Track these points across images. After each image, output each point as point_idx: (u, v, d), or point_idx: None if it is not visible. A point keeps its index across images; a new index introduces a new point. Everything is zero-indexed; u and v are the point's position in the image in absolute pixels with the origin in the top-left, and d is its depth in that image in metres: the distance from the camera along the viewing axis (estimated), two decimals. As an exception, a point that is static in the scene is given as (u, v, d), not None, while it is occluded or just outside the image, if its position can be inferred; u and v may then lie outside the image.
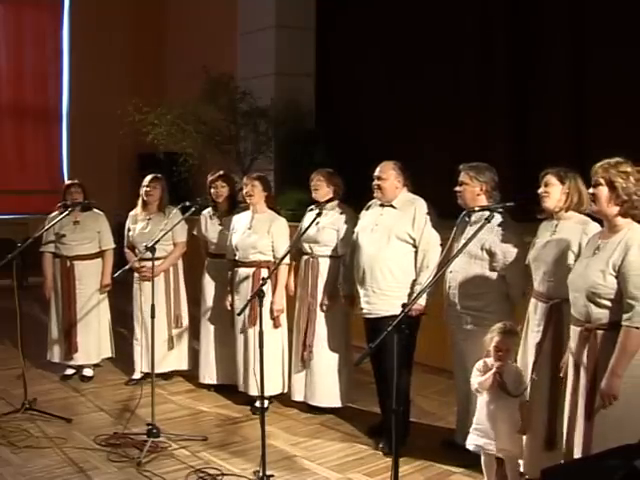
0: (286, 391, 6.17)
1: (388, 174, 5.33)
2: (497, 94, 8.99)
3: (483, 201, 4.90)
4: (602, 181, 3.70)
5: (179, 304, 6.85)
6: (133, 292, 6.84)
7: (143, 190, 6.79)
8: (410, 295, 5.16)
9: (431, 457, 5.06)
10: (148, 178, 6.85)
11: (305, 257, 6.00)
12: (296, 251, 6.05)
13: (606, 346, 3.65)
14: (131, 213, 6.94)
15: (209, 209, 6.67)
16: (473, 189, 4.93)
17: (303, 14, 11.24)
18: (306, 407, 6.06)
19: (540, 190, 4.51)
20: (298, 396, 6.06)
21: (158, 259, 6.40)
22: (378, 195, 5.39)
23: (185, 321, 6.90)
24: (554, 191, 4.45)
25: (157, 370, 6.52)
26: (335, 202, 5.93)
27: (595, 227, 4.25)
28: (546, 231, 4.54)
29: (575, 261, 4.16)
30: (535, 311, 4.50)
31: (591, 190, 3.78)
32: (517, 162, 8.43)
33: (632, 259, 3.58)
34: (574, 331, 3.87)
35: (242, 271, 6.10)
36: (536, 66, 8.53)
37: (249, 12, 11.52)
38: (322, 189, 5.90)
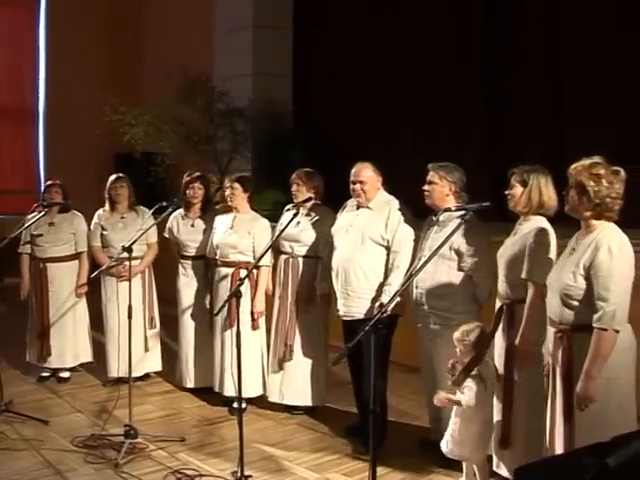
0: (265, 393, 6.16)
1: (369, 177, 5.31)
2: (472, 93, 9.04)
3: (452, 201, 4.92)
4: (573, 183, 3.71)
5: (152, 306, 6.83)
6: (104, 293, 6.78)
7: (111, 191, 6.76)
8: (377, 297, 5.17)
9: (409, 456, 5.08)
10: (112, 178, 6.82)
11: (284, 257, 5.98)
12: (274, 251, 6.05)
13: (580, 348, 3.66)
14: (99, 212, 6.86)
15: (180, 210, 6.62)
16: (442, 189, 4.94)
17: (280, 14, 11.24)
18: (283, 407, 6.07)
19: (506, 191, 4.51)
20: (274, 397, 6.05)
21: (135, 259, 6.41)
22: (361, 199, 5.35)
23: (158, 322, 6.89)
24: (515, 193, 4.44)
25: (134, 374, 6.53)
26: (314, 202, 5.92)
27: (550, 228, 4.34)
28: (511, 233, 4.58)
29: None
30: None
31: (564, 192, 3.80)
32: (493, 162, 8.47)
33: (601, 259, 3.58)
34: (550, 332, 3.90)
35: (221, 271, 6.09)
36: (512, 65, 8.59)
37: (226, 12, 11.51)
38: (301, 194, 5.85)
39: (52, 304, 6.75)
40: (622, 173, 3.70)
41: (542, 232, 4.32)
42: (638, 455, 1.86)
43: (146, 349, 6.75)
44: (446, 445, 4.48)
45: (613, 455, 1.82)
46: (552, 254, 4.31)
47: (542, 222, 4.39)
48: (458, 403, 4.34)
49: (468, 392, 4.31)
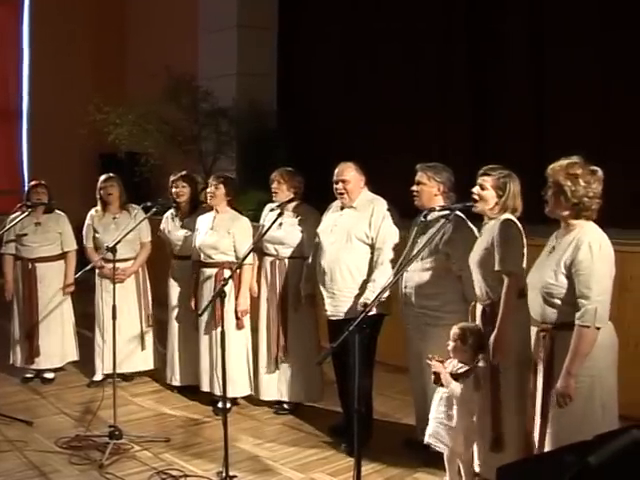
0: (253, 392, 6.15)
1: (351, 176, 5.33)
2: (456, 91, 9.04)
3: (440, 201, 4.93)
4: (551, 184, 3.72)
5: (148, 304, 6.86)
6: (97, 293, 6.77)
7: (101, 191, 6.75)
8: (361, 294, 5.18)
9: (394, 456, 5.08)
10: (103, 178, 6.82)
11: (270, 259, 5.99)
12: (259, 252, 6.05)
13: (562, 346, 3.67)
14: (91, 213, 6.85)
15: (172, 210, 6.64)
16: (430, 189, 4.95)
17: (265, 14, 11.21)
18: (269, 406, 6.07)
19: (474, 190, 4.47)
20: (270, 396, 6.05)
21: (127, 260, 6.59)
22: (344, 199, 5.37)
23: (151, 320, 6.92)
24: (487, 197, 4.42)
25: (127, 370, 6.69)
26: (297, 202, 5.94)
27: (514, 219, 4.34)
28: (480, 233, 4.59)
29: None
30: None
31: (543, 192, 3.80)
32: (477, 161, 8.44)
33: (581, 258, 3.60)
34: (533, 331, 3.92)
35: (205, 272, 6.09)
36: (496, 64, 8.60)
37: (211, 11, 11.48)
38: (282, 192, 5.89)
39: (40, 304, 6.73)
40: (600, 172, 3.72)
41: (506, 223, 4.32)
42: (620, 454, 1.87)
43: (142, 347, 6.79)
44: (434, 435, 4.45)
45: (595, 454, 1.83)
46: (520, 243, 4.32)
47: (506, 215, 4.39)
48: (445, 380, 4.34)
49: (461, 387, 4.31)
